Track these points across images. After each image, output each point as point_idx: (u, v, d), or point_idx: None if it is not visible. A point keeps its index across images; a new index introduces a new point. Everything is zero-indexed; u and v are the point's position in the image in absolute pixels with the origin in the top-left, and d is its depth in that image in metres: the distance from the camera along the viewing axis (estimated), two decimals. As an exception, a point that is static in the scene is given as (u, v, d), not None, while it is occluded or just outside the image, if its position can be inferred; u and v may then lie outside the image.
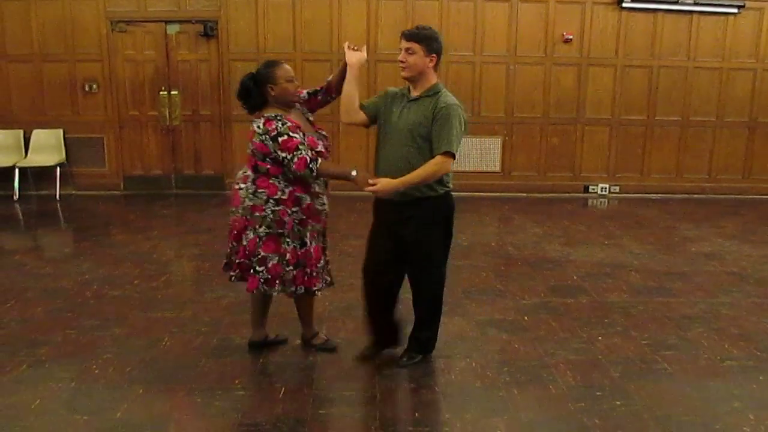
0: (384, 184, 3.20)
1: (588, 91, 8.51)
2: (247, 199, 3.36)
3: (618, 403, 3.23)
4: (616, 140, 8.68)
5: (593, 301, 4.70)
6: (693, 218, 7.51)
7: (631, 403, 3.22)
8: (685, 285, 5.08)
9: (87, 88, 8.23)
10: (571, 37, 8.29)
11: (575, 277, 5.22)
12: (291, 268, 3.42)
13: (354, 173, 3.27)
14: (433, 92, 3.31)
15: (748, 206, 8.28)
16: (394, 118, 3.36)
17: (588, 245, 6.22)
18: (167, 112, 8.35)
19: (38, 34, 8.08)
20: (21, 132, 8.18)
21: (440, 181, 3.31)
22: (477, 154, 8.52)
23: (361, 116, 3.47)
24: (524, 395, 3.30)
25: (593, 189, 8.74)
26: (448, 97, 3.29)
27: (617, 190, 8.74)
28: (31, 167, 8.08)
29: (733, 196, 8.72)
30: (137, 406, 3.13)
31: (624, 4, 8.20)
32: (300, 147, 3.24)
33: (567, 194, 8.64)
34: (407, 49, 3.26)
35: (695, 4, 8.25)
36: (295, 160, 3.23)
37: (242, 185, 3.41)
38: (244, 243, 3.43)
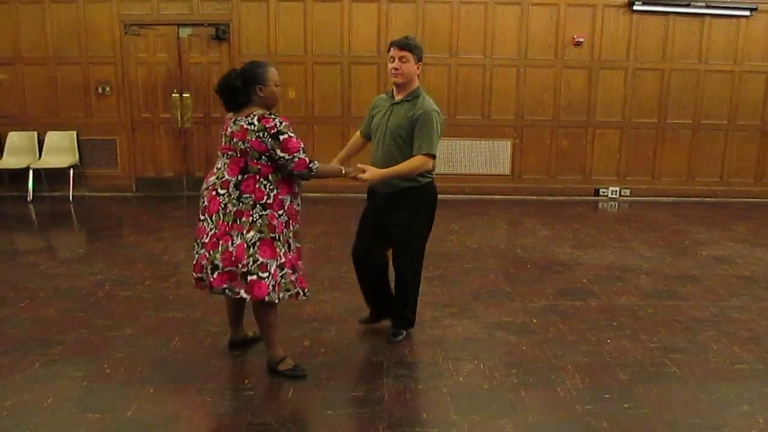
0: (372, 172, 3.52)
1: (599, 93, 8.49)
2: (230, 205, 3.24)
3: (626, 406, 3.22)
4: (626, 143, 8.65)
5: (602, 304, 4.69)
6: (704, 222, 7.48)
7: (640, 407, 3.22)
8: (696, 288, 5.06)
9: (100, 91, 8.32)
10: (581, 39, 8.28)
11: (584, 280, 5.21)
12: (290, 271, 3.37)
13: (344, 171, 3.52)
14: (414, 96, 3.63)
15: (760, 210, 8.22)
16: (379, 119, 3.73)
17: (598, 248, 6.20)
18: (179, 114, 8.42)
19: (52, 37, 8.18)
20: (35, 134, 8.28)
21: (422, 173, 3.64)
22: (487, 157, 8.51)
23: (366, 142, 3.98)
24: (532, 397, 3.30)
25: (604, 192, 8.72)
26: (427, 101, 3.62)
27: (628, 194, 8.71)
28: (44, 168, 8.17)
29: (745, 200, 8.67)
30: (148, 405, 3.17)
31: (635, 7, 8.18)
32: (301, 149, 3.24)
33: (577, 197, 8.62)
34: (401, 58, 3.57)
35: (707, 6, 8.21)
36: (295, 160, 3.22)
37: (221, 191, 3.26)
38: (230, 249, 3.24)
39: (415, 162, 3.54)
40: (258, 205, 3.23)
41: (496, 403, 3.25)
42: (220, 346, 3.83)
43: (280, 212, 3.30)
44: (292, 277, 3.38)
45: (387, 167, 3.57)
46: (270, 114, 3.27)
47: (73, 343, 3.86)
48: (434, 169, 3.75)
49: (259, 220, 3.24)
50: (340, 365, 3.63)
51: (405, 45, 3.58)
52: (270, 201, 3.25)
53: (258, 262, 3.25)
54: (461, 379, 3.50)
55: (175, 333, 4.02)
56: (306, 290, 3.47)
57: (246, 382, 3.41)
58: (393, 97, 3.72)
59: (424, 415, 3.12)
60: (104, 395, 3.25)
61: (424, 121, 3.54)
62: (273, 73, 3.34)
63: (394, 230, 3.74)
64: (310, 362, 3.65)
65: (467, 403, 3.23)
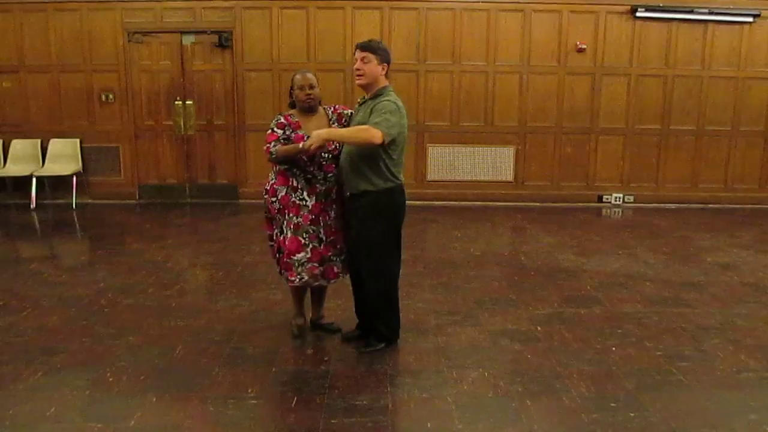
0: (314, 135, 3.48)
1: (602, 100, 8.48)
2: None
3: (632, 414, 3.20)
4: (630, 149, 8.64)
5: (607, 311, 4.67)
6: (708, 228, 7.45)
7: (646, 415, 3.20)
8: (701, 295, 5.03)
9: (103, 98, 8.34)
10: (584, 46, 8.28)
11: (589, 287, 5.19)
12: (277, 249, 3.91)
13: (301, 144, 3.55)
14: (380, 93, 3.68)
15: (764, 216, 8.20)
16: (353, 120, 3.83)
17: (602, 255, 6.18)
18: (182, 121, 8.43)
19: (56, 46, 8.21)
20: (39, 141, 8.30)
21: (381, 177, 3.63)
22: (490, 164, 8.50)
23: None
24: (537, 406, 3.28)
25: (607, 198, 8.70)
26: (392, 96, 3.67)
27: (631, 200, 8.69)
28: (48, 176, 8.18)
29: (749, 206, 8.64)
30: (151, 414, 3.15)
31: (638, 14, 8.18)
32: (272, 141, 3.67)
33: (581, 204, 8.60)
34: (363, 59, 3.65)
35: (710, 13, 8.21)
36: (264, 149, 3.71)
37: None
38: None
39: (362, 128, 3.50)
40: (264, 189, 3.89)
41: (501, 411, 3.23)
42: (223, 355, 3.82)
43: (273, 199, 3.82)
44: (276, 257, 3.94)
45: (348, 165, 3.66)
46: (279, 114, 3.83)
47: (75, 352, 3.85)
48: (400, 179, 3.72)
49: (264, 202, 3.89)
50: (343, 374, 3.62)
51: (366, 46, 3.67)
52: (268, 188, 3.86)
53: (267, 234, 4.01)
54: (466, 387, 3.48)
55: (178, 341, 4.01)
56: (282, 272, 3.90)
57: (249, 390, 3.40)
58: (364, 98, 3.80)
59: (429, 424, 3.10)
60: (107, 404, 3.24)
61: (381, 107, 3.56)
62: (296, 79, 3.80)
63: (352, 234, 3.79)
64: (314, 371, 3.64)
65: (472, 412, 3.21)
